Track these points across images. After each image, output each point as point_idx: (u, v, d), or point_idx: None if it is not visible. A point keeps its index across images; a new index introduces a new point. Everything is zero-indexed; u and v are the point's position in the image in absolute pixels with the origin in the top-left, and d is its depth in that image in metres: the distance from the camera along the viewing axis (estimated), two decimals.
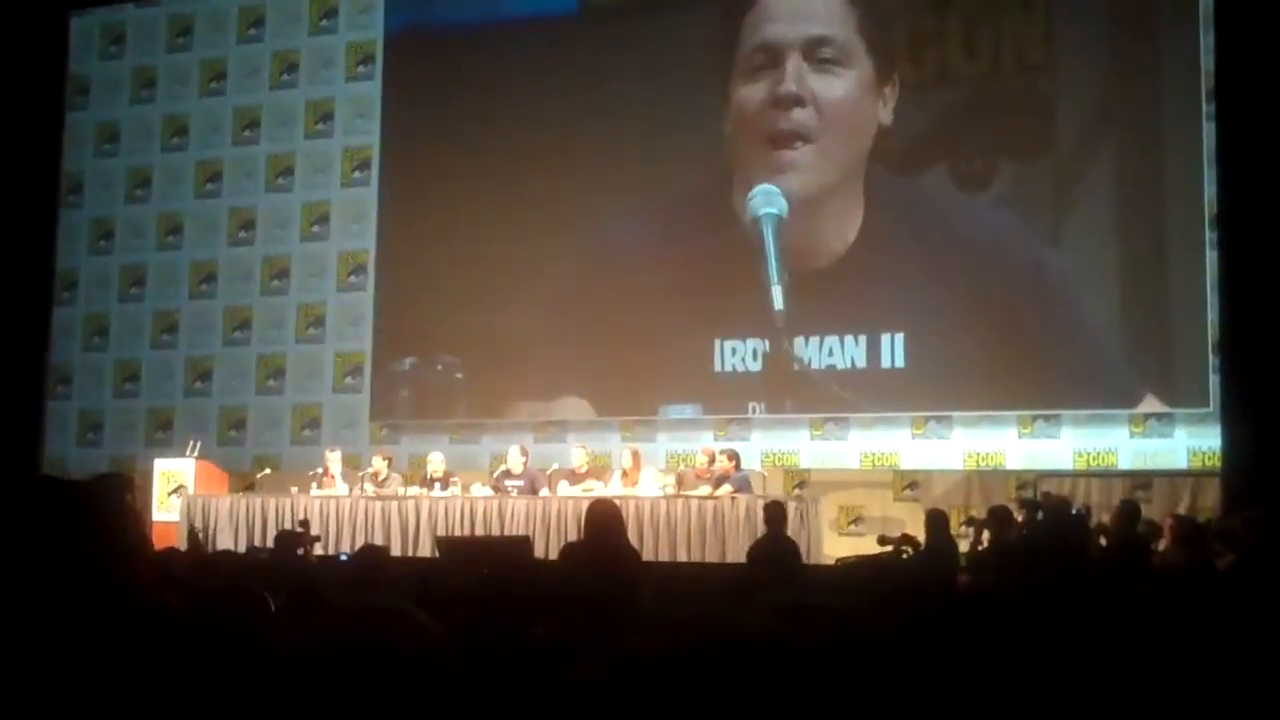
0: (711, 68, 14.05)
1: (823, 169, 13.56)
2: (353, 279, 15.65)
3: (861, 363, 13.36)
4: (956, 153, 13.38)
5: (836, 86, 13.63)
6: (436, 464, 13.62)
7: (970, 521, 11.11)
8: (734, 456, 12.73)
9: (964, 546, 10.77)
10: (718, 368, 13.83)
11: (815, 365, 13.43)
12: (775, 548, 10.17)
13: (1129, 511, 10.33)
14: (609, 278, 14.31)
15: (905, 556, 9.73)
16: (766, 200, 13.43)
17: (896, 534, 10.56)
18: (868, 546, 11.60)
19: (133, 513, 2.76)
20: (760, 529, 10.98)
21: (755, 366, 13.70)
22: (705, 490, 12.38)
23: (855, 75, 13.63)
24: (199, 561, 7.74)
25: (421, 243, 15.13)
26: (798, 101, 13.56)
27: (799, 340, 13.46)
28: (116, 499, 2.74)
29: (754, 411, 13.72)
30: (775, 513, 10.57)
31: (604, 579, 6.78)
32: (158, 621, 2.73)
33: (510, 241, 14.62)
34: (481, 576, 7.19)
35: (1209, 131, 12.53)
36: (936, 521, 10.62)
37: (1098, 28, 13.21)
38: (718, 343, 13.82)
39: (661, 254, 14.11)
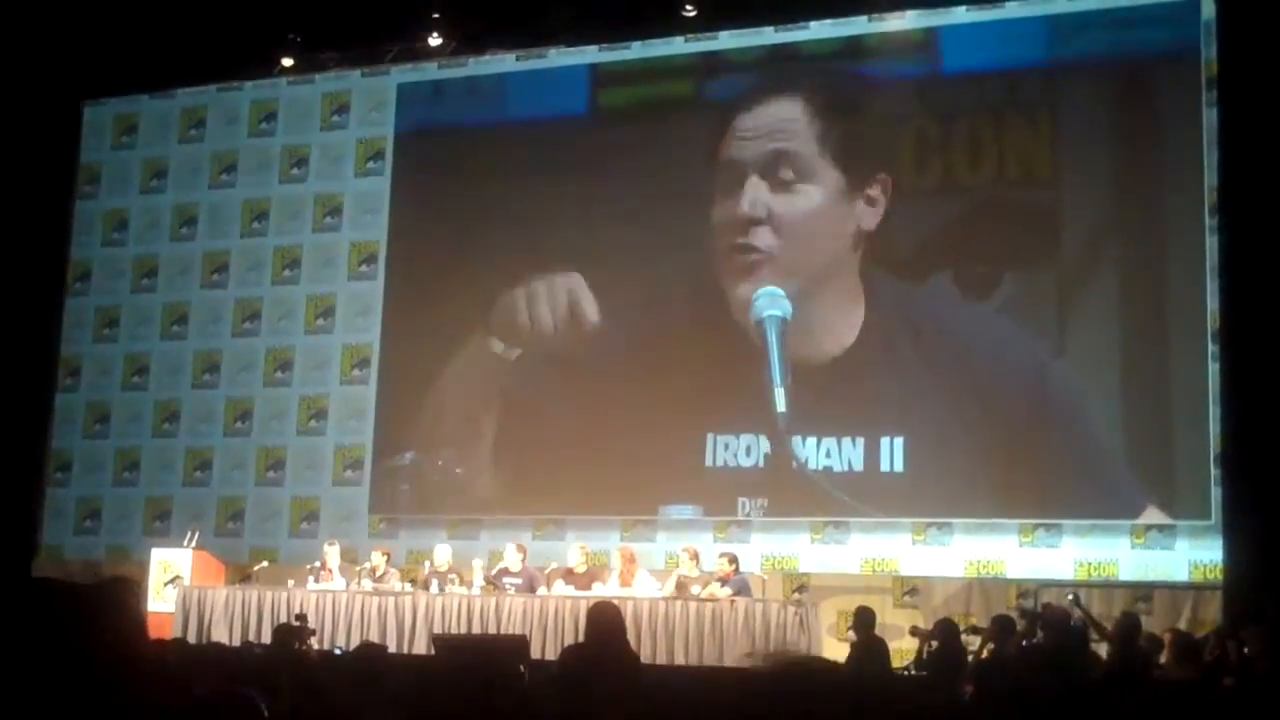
0: (703, 176, 14.21)
1: (786, 279, 13.62)
2: (356, 372, 15.67)
3: (859, 466, 13.33)
4: (961, 259, 13.44)
5: (797, 203, 13.78)
6: (441, 558, 13.52)
7: (974, 630, 11.05)
8: (733, 560, 12.65)
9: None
10: (709, 462, 13.82)
11: (812, 467, 13.41)
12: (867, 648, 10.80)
13: (1130, 625, 10.25)
14: (606, 372, 14.36)
15: (910, 673, 9.73)
16: (771, 302, 13.50)
17: (926, 628, 10.95)
18: None
19: (137, 619, 2.75)
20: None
21: (747, 462, 13.69)
22: (704, 591, 12.30)
23: (820, 189, 13.76)
24: (196, 658, 7.67)
25: (425, 337, 15.17)
26: (754, 222, 13.73)
27: (795, 440, 13.45)
28: (120, 605, 2.72)
29: (746, 508, 13.67)
30: (866, 617, 11.18)
31: (605, 683, 6.73)
32: None
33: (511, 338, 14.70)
34: (482, 677, 7.14)
35: (1212, 244, 12.59)
36: (948, 630, 10.58)
37: (1102, 141, 13.30)
38: (710, 437, 13.82)
39: (657, 349, 14.16)
